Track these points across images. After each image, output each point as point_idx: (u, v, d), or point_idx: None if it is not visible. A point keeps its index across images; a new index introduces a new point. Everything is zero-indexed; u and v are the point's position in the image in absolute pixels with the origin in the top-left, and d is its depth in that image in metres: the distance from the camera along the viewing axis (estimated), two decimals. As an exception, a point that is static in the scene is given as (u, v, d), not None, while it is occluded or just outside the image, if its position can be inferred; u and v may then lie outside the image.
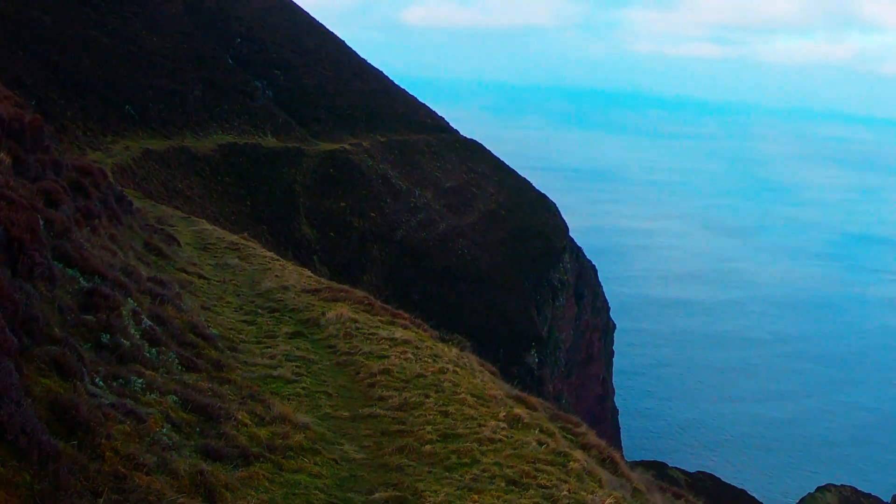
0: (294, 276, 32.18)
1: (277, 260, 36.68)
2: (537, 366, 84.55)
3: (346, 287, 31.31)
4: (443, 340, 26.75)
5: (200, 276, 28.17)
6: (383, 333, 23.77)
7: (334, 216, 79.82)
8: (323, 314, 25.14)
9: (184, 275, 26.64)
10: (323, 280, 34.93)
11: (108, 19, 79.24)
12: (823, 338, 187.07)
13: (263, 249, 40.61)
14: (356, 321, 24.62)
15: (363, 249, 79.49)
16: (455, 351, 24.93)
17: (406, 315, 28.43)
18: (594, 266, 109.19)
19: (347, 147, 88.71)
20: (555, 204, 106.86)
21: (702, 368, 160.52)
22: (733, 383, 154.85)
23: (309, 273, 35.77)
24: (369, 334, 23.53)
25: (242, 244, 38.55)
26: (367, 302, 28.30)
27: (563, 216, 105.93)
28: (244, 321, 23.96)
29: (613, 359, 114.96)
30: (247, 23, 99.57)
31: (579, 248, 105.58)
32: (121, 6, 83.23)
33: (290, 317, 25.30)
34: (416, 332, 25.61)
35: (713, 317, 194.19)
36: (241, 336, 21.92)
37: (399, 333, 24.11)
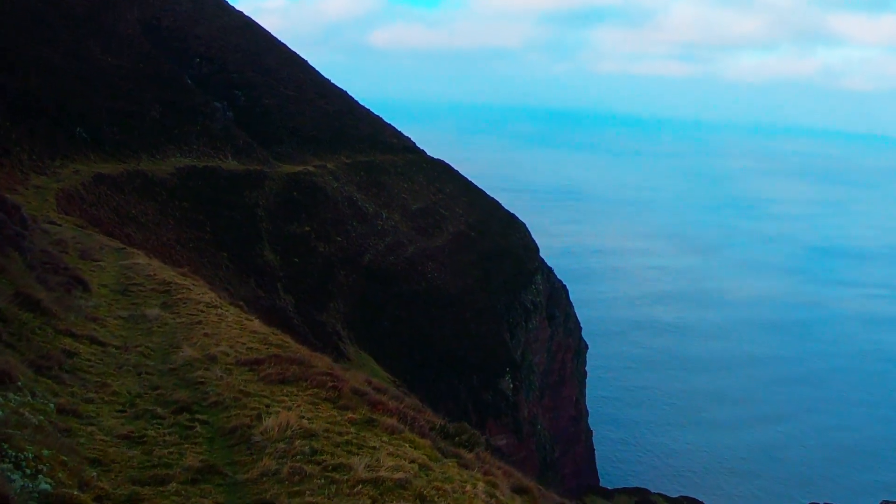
0: (232, 332, 25.11)
1: (215, 307, 29.59)
2: (512, 391, 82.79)
3: (301, 354, 22.90)
4: (461, 447, 18.78)
5: (93, 341, 21.05)
6: (359, 465, 14.28)
7: (298, 241, 77.05)
8: (259, 418, 16.61)
9: (67, 340, 19.85)
10: (270, 337, 25.97)
11: (60, 38, 76.38)
12: (796, 358, 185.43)
13: (205, 288, 35.17)
14: (312, 434, 15.76)
15: (329, 275, 76.82)
16: (482, 485, 15.25)
17: (391, 403, 19.54)
18: (565, 286, 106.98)
19: (311, 169, 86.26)
20: (525, 224, 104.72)
21: (677, 392, 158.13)
22: (709, 407, 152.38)
23: (255, 326, 27.86)
24: (334, 468, 14.23)
25: (177, 284, 32.14)
26: (331, 384, 19.50)
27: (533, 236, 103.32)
28: (127, 437, 15.45)
29: (586, 379, 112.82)
30: (206, 42, 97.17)
31: (550, 269, 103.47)
32: (75, 25, 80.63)
33: (206, 422, 16.82)
34: (412, 445, 16.59)
35: (685, 338, 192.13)
36: (103, 484, 12.66)
37: (387, 459, 14.90)
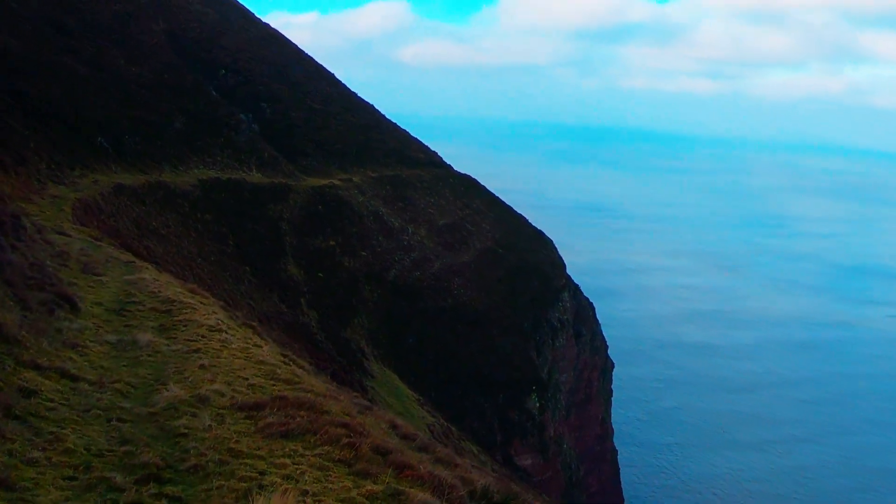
0: (234, 363, 21.62)
1: (219, 331, 25.29)
2: (538, 410, 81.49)
3: (312, 395, 19.11)
4: None
5: (63, 375, 17.76)
6: None
7: (323, 255, 75.84)
8: (248, 496, 13.07)
9: (28, 374, 16.77)
10: (279, 369, 22.26)
11: (84, 47, 75.57)
12: (825, 379, 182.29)
13: (214, 307, 31.13)
14: None
15: (354, 290, 75.57)
16: None
17: (423, 467, 15.62)
18: (592, 304, 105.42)
19: (337, 182, 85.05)
20: (552, 241, 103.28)
21: (703, 413, 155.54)
22: (735, 428, 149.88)
23: (263, 355, 23.98)
24: None
25: (180, 303, 28.30)
26: (346, 440, 15.92)
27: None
28: None
29: (612, 398, 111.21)
30: (232, 54, 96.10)
31: (576, 286, 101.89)
32: (98, 34, 79.80)
33: (177, 499, 13.58)
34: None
35: (712, 358, 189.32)
36: None
37: None
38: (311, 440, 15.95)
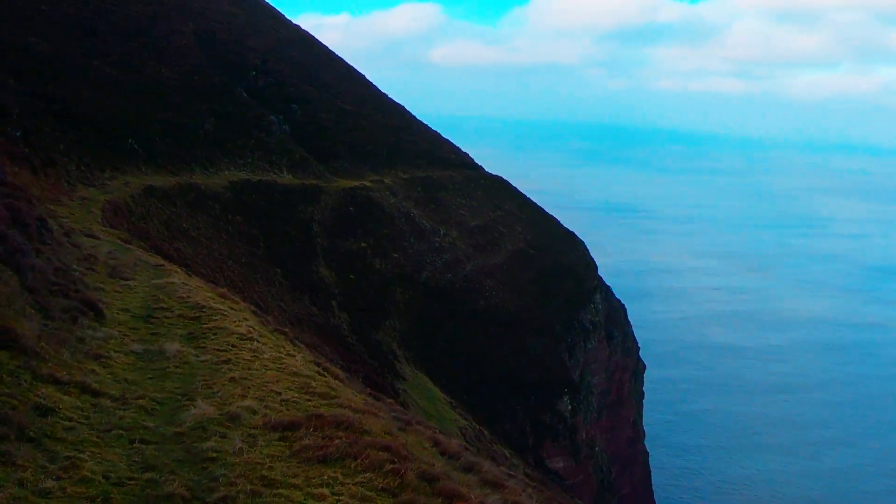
0: (266, 376, 20.20)
1: (250, 339, 23.88)
2: (570, 413, 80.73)
3: (350, 411, 17.83)
4: None
5: (84, 390, 16.38)
6: None
7: (354, 257, 75.37)
8: None
9: (46, 390, 15.32)
10: (314, 381, 20.87)
11: (112, 49, 75.45)
12: (856, 381, 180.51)
13: (245, 313, 29.63)
14: None
15: (386, 292, 74.99)
16: None
17: (473, 498, 14.88)
18: (623, 305, 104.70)
19: (368, 184, 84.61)
20: (583, 242, 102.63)
21: (735, 416, 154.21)
22: (767, 431, 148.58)
23: (296, 365, 22.55)
24: None
25: (210, 309, 26.83)
26: (390, 466, 14.84)
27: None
28: None
29: (643, 400, 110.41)
30: (262, 55, 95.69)
31: (608, 287, 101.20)
32: (127, 36, 79.65)
33: None
34: None
35: (742, 360, 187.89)
36: None
37: None
38: (352, 465, 14.71)
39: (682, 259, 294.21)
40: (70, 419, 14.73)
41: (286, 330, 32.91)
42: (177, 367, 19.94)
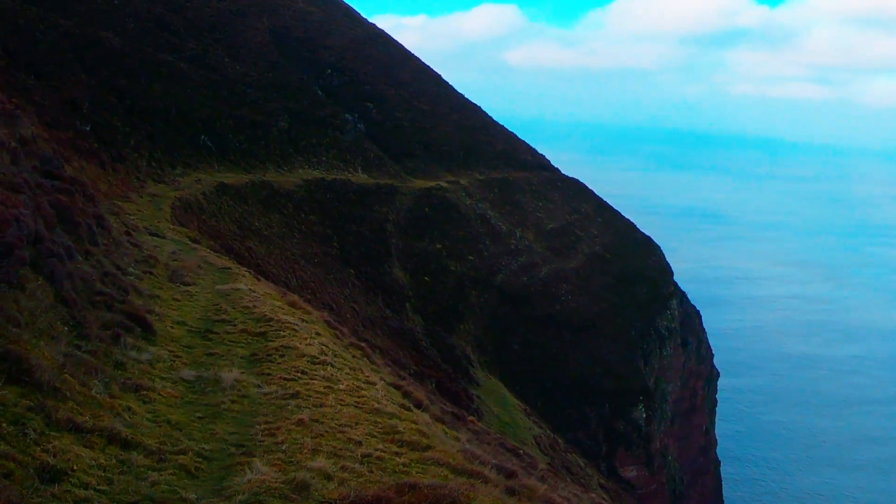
0: (342, 417, 16.06)
1: (323, 364, 19.87)
2: (645, 421, 78.96)
3: (448, 469, 14.33)
4: None
5: (112, 439, 12.39)
6: None
7: (429, 259, 74.26)
8: None
9: (61, 442, 11.27)
10: (402, 426, 16.53)
11: (186, 45, 75.16)
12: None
13: (318, 325, 26.00)
14: None
15: (461, 295, 73.73)
16: None
17: None
18: (698, 311, 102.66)
19: (444, 184, 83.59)
20: (660, 247, 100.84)
21: (810, 430, 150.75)
22: (845, 447, 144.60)
23: (378, 398, 18.44)
24: None
25: (278, 322, 23.37)
26: None
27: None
28: None
29: (716, 408, 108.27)
30: (337, 53, 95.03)
31: (683, 293, 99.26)
32: (202, 32, 79.50)
33: None
34: None
35: (818, 372, 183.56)
36: None
37: None
38: None
39: (759, 266, 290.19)
40: (86, 486, 10.66)
41: (363, 344, 29.84)
42: (233, 401, 16.33)
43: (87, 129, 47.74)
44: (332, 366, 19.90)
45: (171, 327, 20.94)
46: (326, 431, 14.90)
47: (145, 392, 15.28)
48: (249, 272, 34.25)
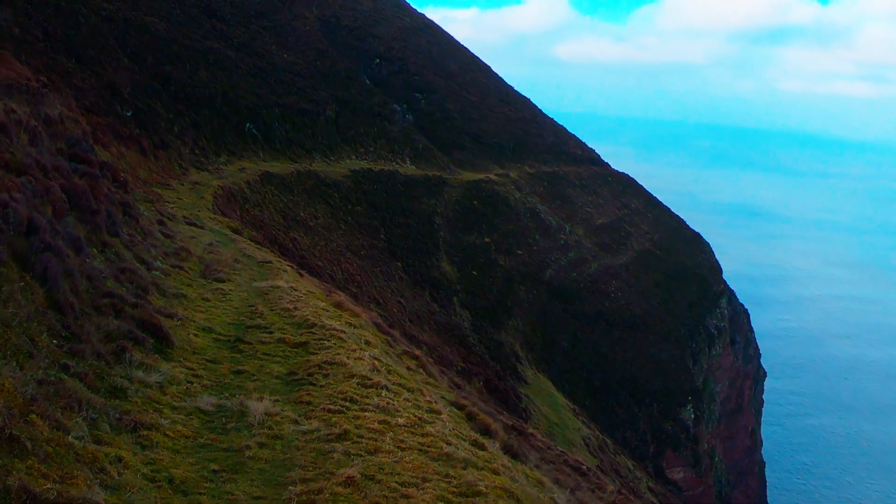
0: (404, 468, 12.23)
1: (376, 387, 15.96)
2: (693, 422, 77.58)
3: None
4: None
5: None
6: None
7: (478, 253, 72.96)
8: None
9: None
10: (479, 485, 12.10)
11: (234, 32, 74.35)
12: None
13: (368, 331, 22.37)
14: None
15: (509, 291, 72.29)
16: None
17: None
18: (746, 310, 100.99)
19: (493, 177, 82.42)
20: (709, 244, 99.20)
21: (858, 436, 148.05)
22: (886, 452, 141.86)
23: (445, 433, 14.39)
24: None
25: (321, 329, 19.52)
26: None
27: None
28: None
29: (763, 408, 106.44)
30: (386, 43, 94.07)
31: (731, 292, 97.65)
32: (249, 19, 78.90)
33: None
34: None
35: (867, 376, 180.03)
36: None
37: None
38: None
39: (807, 266, 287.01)
40: None
41: (418, 353, 25.27)
42: (262, 445, 12.47)
43: (129, 114, 46.65)
44: (386, 389, 16.15)
45: (195, 336, 17.60)
46: (384, 496, 11.12)
47: (146, 432, 11.72)
48: (292, 267, 31.47)
